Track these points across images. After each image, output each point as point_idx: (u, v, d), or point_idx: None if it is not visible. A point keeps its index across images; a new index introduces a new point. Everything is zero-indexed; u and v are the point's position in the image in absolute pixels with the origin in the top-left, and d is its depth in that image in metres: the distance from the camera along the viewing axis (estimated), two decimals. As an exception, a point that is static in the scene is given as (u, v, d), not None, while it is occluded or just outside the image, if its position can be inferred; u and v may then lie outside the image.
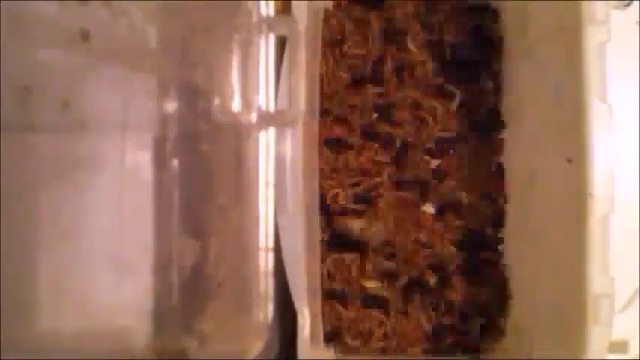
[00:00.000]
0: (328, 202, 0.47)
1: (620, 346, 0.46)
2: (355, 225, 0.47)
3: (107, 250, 0.38)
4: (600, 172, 0.37)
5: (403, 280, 0.47)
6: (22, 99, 0.36)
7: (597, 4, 0.38)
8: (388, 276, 0.47)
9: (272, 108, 0.40)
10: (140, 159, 0.39)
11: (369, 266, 0.47)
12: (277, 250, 0.39)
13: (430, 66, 0.49)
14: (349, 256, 0.47)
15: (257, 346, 0.39)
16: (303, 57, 0.40)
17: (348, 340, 0.47)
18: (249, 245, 0.40)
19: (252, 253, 0.40)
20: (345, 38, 0.49)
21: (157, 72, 0.39)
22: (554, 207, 0.41)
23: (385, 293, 0.47)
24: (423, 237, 0.48)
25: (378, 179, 0.48)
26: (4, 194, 0.35)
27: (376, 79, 0.49)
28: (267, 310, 0.40)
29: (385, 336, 0.47)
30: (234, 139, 0.40)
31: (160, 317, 0.38)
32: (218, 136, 0.40)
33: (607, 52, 0.38)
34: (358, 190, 0.48)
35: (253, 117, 0.40)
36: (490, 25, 0.49)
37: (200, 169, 0.40)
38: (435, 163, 0.49)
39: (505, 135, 0.49)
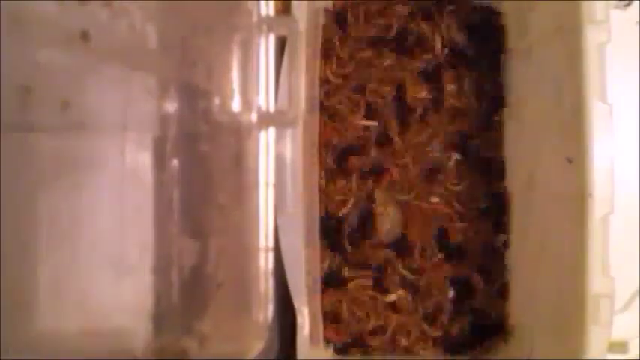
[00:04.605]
0: (331, 210, 0.47)
1: (619, 347, 0.46)
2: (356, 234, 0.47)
3: (107, 250, 0.38)
4: (600, 172, 0.37)
5: (405, 280, 0.47)
6: (22, 99, 0.36)
7: (597, 4, 0.38)
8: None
9: (272, 108, 0.40)
10: (140, 159, 0.39)
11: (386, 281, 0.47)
12: (277, 250, 0.39)
13: (431, 66, 0.49)
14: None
15: (257, 346, 0.39)
16: (303, 57, 0.40)
17: (349, 339, 0.47)
18: (249, 245, 0.40)
19: (252, 253, 0.40)
20: (345, 38, 0.49)
21: (157, 72, 0.39)
22: (554, 207, 0.41)
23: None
24: (424, 239, 0.48)
25: (380, 180, 0.48)
26: (4, 194, 0.35)
27: (377, 78, 0.49)
28: (267, 310, 0.40)
29: (385, 336, 0.47)
30: (234, 139, 0.40)
31: (160, 317, 0.38)
32: (218, 136, 0.40)
33: (607, 52, 0.38)
34: (358, 192, 0.48)
35: (253, 117, 0.40)
36: (491, 26, 0.50)
37: (200, 169, 0.40)
38: (435, 162, 0.49)
39: (505, 135, 0.49)
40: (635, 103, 0.50)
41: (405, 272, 0.47)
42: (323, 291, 0.46)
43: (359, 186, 0.48)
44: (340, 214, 0.48)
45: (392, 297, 0.47)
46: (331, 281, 0.47)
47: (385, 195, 0.48)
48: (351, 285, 0.47)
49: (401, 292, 0.47)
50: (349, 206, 0.48)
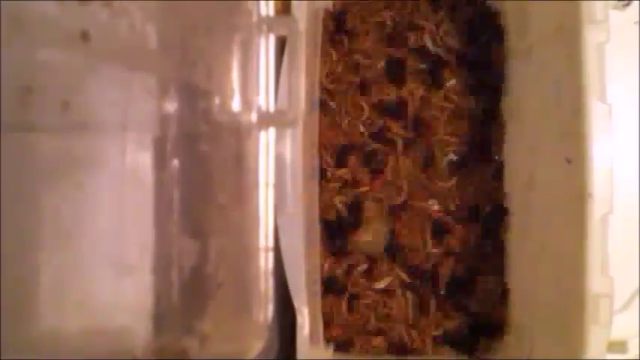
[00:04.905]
0: (329, 206, 0.47)
1: (619, 346, 0.46)
2: (356, 235, 0.47)
3: (107, 250, 0.38)
4: (600, 172, 0.37)
5: (404, 280, 0.47)
6: (22, 99, 0.36)
7: (597, 4, 0.38)
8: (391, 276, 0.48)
9: (272, 108, 0.40)
10: (140, 159, 0.39)
11: (374, 270, 0.47)
12: (277, 250, 0.39)
13: (431, 66, 0.49)
14: (353, 261, 0.47)
15: (257, 346, 0.39)
16: (303, 57, 0.40)
17: (349, 339, 0.47)
18: (249, 245, 0.40)
19: (252, 253, 0.40)
20: (345, 38, 0.49)
21: (157, 72, 0.39)
22: (554, 207, 0.41)
23: (387, 293, 0.47)
24: (423, 239, 0.48)
25: (380, 180, 0.48)
26: (4, 194, 0.35)
27: (377, 78, 0.49)
28: (267, 310, 0.40)
29: (385, 336, 0.47)
30: (234, 139, 0.40)
31: (160, 317, 0.38)
32: (218, 136, 0.40)
33: (607, 52, 0.38)
34: (358, 192, 0.48)
35: (253, 117, 0.40)
36: (491, 26, 0.50)
37: (200, 169, 0.40)
38: (435, 161, 0.49)
39: (505, 135, 0.49)
40: (635, 103, 0.50)
41: (404, 273, 0.47)
42: (323, 291, 0.46)
43: (358, 185, 0.48)
44: (339, 214, 0.48)
45: (392, 297, 0.47)
46: (331, 281, 0.47)
47: (383, 195, 0.48)
48: (350, 285, 0.47)
49: (400, 292, 0.47)
50: (348, 206, 0.48)
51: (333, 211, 0.48)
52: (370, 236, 0.48)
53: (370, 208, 0.48)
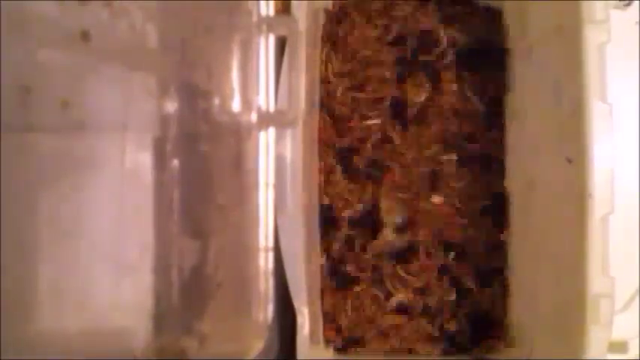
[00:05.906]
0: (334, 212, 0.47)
1: (619, 347, 0.46)
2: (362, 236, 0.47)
3: (107, 250, 0.38)
4: (600, 172, 0.37)
5: (405, 280, 0.47)
6: (22, 99, 0.36)
7: (597, 4, 0.38)
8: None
9: (272, 108, 0.40)
10: (140, 159, 0.39)
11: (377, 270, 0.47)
12: (277, 250, 0.39)
13: (432, 66, 0.49)
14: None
15: (257, 346, 0.39)
16: (303, 57, 0.40)
17: (349, 339, 0.47)
18: (249, 245, 0.40)
19: (252, 253, 0.40)
20: (345, 38, 0.49)
21: (157, 72, 0.39)
22: (554, 207, 0.41)
23: (388, 293, 0.47)
24: (424, 239, 0.48)
25: (382, 181, 0.48)
26: (4, 194, 0.35)
27: (378, 78, 0.49)
28: (267, 310, 0.40)
29: (386, 336, 0.47)
30: (234, 139, 0.40)
31: (160, 317, 0.38)
32: (218, 136, 0.40)
33: (607, 52, 0.38)
34: (362, 191, 0.48)
35: (253, 117, 0.40)
36: (492, 26, 0.50)
37: (200, 169, 0.40)
38: (436, 161, 0.49)
39: (505, 135, 0.49)
40: (635, 103, 0.50)
41: (405, 273, 0.47)
42: (323, 291, 0.46)
43: (362, 187, 0.48)
44: (343, 215, 0.48)
45: (392, 297, 0.47)
46: (331, 281, 0.47)
47: (389, 197, 0.48)
48: (351, 285, 0.47)
49: (401, 292, 0.47)
50: (352, 207, 0.48)
51: (335, 211, 0.48)
52: (375, 237, 0.48)
53: (371, 208, 0.48)
